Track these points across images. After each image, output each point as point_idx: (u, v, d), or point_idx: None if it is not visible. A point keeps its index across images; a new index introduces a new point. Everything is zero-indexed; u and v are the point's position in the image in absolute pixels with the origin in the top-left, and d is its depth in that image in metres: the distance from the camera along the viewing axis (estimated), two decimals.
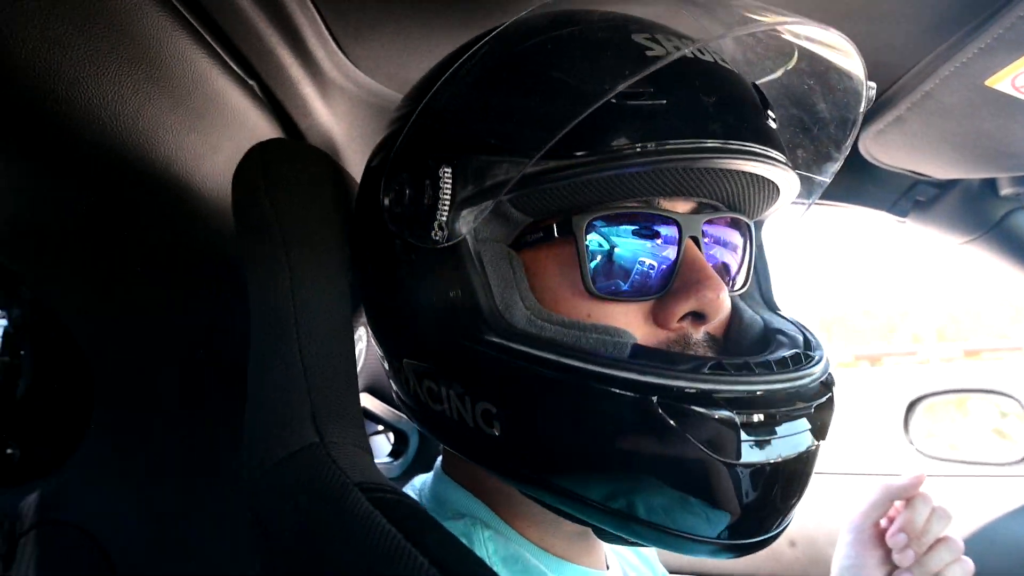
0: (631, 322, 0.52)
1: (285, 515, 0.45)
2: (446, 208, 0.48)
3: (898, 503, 0.81)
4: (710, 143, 0.49)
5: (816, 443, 0.50)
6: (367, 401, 1.20)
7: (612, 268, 0.52)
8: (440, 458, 0.67)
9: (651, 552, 0.82)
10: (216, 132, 0.73)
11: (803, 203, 0.65)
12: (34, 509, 1.00)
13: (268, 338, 0.54)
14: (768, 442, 0.47)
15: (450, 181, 0.48)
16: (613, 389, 0.46)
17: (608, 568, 0.65)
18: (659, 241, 0.53)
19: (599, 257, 0.52)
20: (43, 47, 0.53)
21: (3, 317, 0.98)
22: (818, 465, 0.52)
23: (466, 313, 0.49)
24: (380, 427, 1.20)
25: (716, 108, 0.50)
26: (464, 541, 0.46)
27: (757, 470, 0.47)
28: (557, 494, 0.49)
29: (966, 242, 1.09)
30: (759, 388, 0.48)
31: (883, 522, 0.82)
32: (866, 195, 1.08)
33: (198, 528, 0.92)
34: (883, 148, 0.92)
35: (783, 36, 0.58)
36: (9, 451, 1.00)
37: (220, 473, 0.90)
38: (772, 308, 0.65)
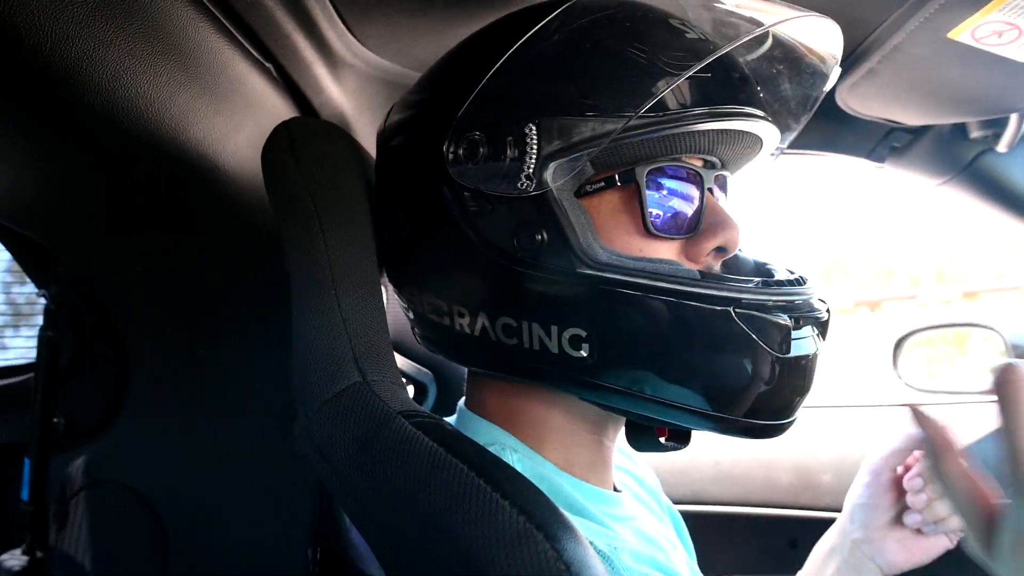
0: (672, 258, 0.63)
1: (341, 442, 0.52)
2: (532, 161, 0.57)
3: (916, 452, 0.87)
4: (741, 108, 0.61)
5: (820, 344, 0.62)
6: None
7: (662, 212, 0.62)
8: (462, 400, 0.75)
9: (655, 482, 0.90)
10: (239, 113, 0.80)
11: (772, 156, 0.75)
12: (82, 472, 1.07)
13: (308, 295, 0.61)
14: (800, 340, 0.59)
15: (536, 138, 0.56)
16: (698, 304, 0.56)
17: (619, 491, 0.74)
18: (690, 190, 0.64)
19: (650, 203, 0.61)
20: (90, 45, 0.59)
21: (43, 295, 1.04)
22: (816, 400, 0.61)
23: (555, 252, 0.58)
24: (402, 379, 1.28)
25: (738, 81, 0.62)
26: None
27: (794, 363, 0.58)
28: (641, 400, 0.59)
29: (941, 183, 1.15)
30: (795, 298, 0.59)
31: (899, 469, 0.88)
32: (845, 144, 1.14)
33: (242, 479, 1.00)
34: (858, 99, 0.98)
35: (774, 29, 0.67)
36: (55, 420, 1.07)
37: (258, 424, 0.98)
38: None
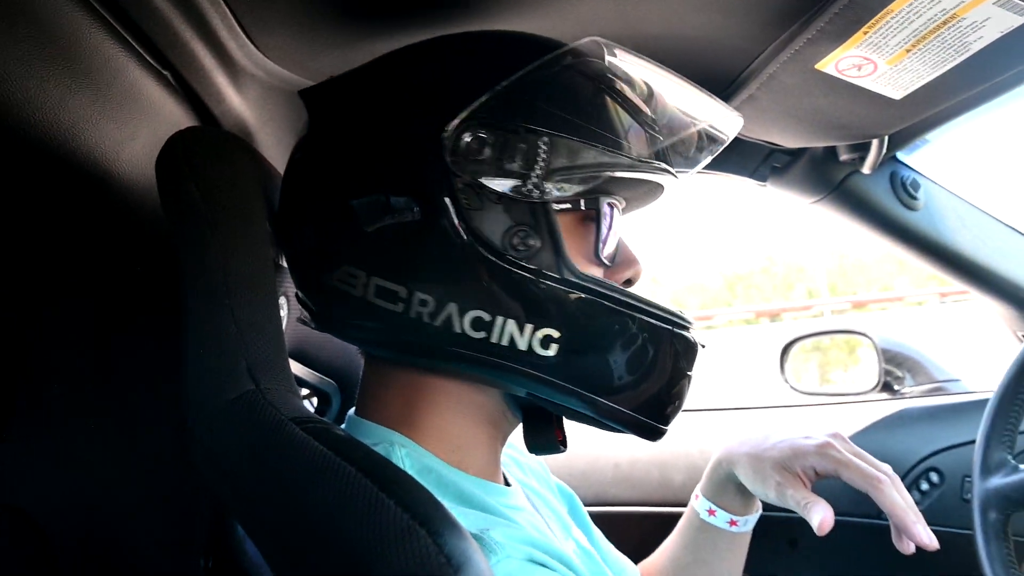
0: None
1: (232, 449, 0.53)
2: (540, 172, 0.61)
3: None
4: (670, 167, 0.72)
5: None
6: (291, 366, 1.24)
7: (604, 241, 0.71)
8: (352, 410, 0.76)
9: (538, 463, 0.95)
10: (134, 121, 0.78)
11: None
12: None
13: (202, 305, 0.61)
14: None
15: (547, 152, 0.61)
16: (655, 321, 0.65)
17: (510, 485, 0.77)
18: (618, 225, 0.73)
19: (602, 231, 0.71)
20: None
21: None
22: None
23: (546, 257, 0.63)
24: (305, 391, 1.27)
25: (678, 145, 0.75)
26: None
27: (689, 379, 0.69)
28: (579, 399, 0.65)
29: (815, 202, 1.25)
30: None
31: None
32: (731, 164, 1.23)
33: (134, 493, 0.97)
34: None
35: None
36: None
37: (151, 438, 0.95)
38: None
